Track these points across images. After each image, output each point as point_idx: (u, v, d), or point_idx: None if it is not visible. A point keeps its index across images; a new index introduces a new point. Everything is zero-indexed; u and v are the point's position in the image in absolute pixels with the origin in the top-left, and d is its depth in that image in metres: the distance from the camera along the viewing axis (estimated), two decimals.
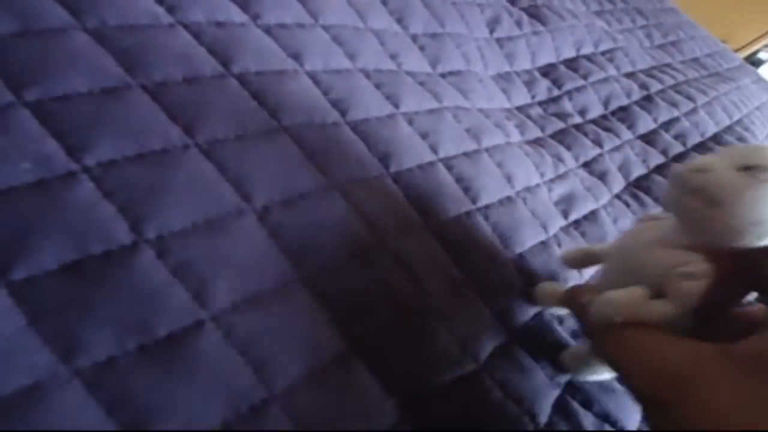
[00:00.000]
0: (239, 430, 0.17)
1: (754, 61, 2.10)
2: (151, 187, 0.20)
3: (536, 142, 0.39)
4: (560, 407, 0.23)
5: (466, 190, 0.29)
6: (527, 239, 0.30)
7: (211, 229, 0.20)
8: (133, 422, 0.15)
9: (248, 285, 0.19)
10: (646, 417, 0.24)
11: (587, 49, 0.55)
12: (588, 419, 0.24)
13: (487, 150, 0.33)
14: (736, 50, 1.80)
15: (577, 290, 0.23)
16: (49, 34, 0.21)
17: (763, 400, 0.15)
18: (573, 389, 0.25)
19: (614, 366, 0.20)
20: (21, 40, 0.20)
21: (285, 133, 0.24)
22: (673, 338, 0.18)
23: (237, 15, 0.27)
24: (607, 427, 0.24)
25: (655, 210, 0.42)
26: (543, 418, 0.23)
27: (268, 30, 0.27)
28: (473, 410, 0.22)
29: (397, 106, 0.30)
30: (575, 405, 0.24)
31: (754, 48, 1.89)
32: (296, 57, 0.28)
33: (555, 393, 0.24)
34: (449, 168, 0.30)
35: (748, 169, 0.18)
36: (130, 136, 0.20)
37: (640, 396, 0.18)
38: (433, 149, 0.30)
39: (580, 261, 0.26)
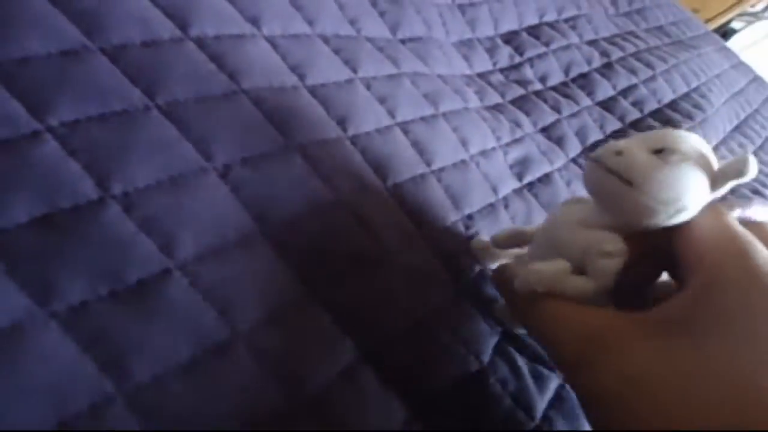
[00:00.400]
0: (206, 365, 0.19)
1: (726, 31, 2.16)
2: (114, 146, 0.21)
3: (495, 108, 0.42)
4: (499, 350, 0.26)
5: (422, 153, 0.32)
6: (476, 201, 0.32)
7: (175, 185, 0.22)
8: (109, 359, 0.18)
9: (212, 237, 0.21)
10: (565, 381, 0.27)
11: (550, 17, 0.58)
12: (522, 360, 0.27)
13: (444, 115, 0.35)
14: (708, 20, 1.85)
15: (502, 268, 0.25)
16: None
17: (673, 360, 0.17)
18: (508, 337, 0.28)
19: (535, 332, 0.22)
20: None
21: (244, 95, 0.26)
22: (592, 307, 0.20)
23: None
24: (539, 367, 0.27)
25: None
26: (486, 358, 0.25)
27: None
28: (425, 353, 0.25)
29: (355, 71, 0.32)
30: (511, 349, 0.27)
31: (726, 17, 1.94)
32: (254, 21, 0.29)
33: (495, 339, 0.27)
34: (406, 132, 0.32)
35: (659, 151, 0.20)
36: (92, 98, 0.22)
37: (559, 360, 0.20)
38: (391, 113, 0.32)
39: (509, 240, 0.28)
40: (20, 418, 0.16)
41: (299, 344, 0.21)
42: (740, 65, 0.92)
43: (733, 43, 2.11)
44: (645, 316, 0.19)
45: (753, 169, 0.19)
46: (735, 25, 2.20)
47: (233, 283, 0.21)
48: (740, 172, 0.19)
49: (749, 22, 2.21)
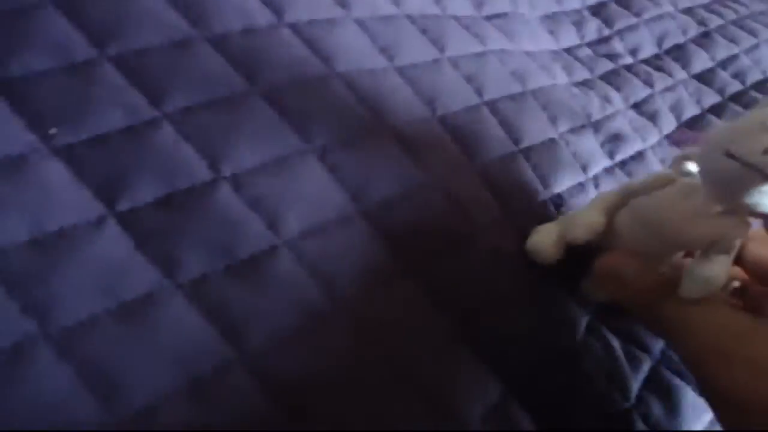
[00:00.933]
0: (305, 335, 0.21)
1: None
2: (222, 130, 0.23)
3: (584, 83, 0.41)
4: (591, 330, 0.27)
5: (510, 132, 0.32)
6: (565, 180, 0.32)
7: (278, 167, 0.23)
8: (229, 326, 0.20)
9: (314, 217, 0.23)
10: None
11: None
12: (615, 341, 0.27)
13: (532, 92, 0.35)
14: None
15: (612, 260, 0.24)
16: None
17: None
18: (600, 317, 0.28)
19: (664, 334, 0.23)
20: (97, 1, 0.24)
21: (338, 78, 0.27)
22: (724, 309, 0.21)
23: None
24: (633, 347, 0.27)
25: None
26: (578, 337, 0.26)
27: None
28: (515, 332, 0.25)
29: (442, 51, 0.33)
30: (604, 329, 0.27)
31: None
32: (343, 5, 0.30)
33: (586, 319, 0.27)
34: (494, 111, 0.32)
35: None
36: (200, 85, 0.24)
37: (692, 360, 0.21)
38: (478, 92, 0.33)
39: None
40: (156, 377, 0.18)
41: (394, 317, 0.23)
42: None
43: None
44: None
45: None
46: None
47: (334, 258, 0.22)
48: None
49: None
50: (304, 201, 0.23)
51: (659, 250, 0.23)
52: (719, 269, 0.21)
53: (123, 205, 0.20)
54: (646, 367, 0.28)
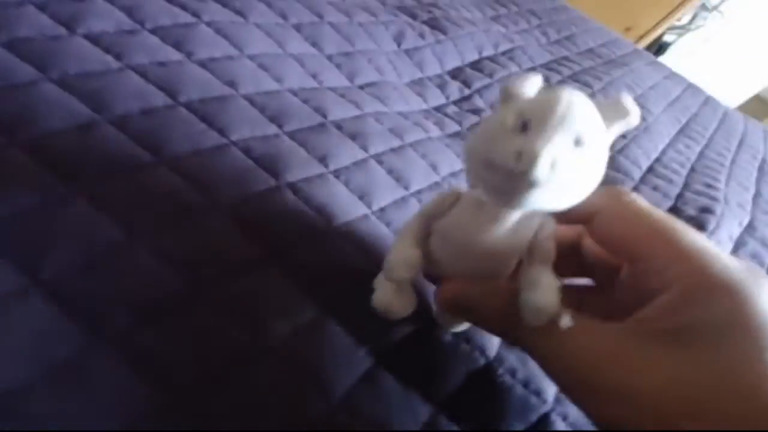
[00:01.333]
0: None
1: (661, 45, 2.38)
2: (131, 198, 0.26)
3: (455, 135, 0.48)
4: (504, 343, 0.31)
5: (398, 179, 0.37)
6: None
7: (178, 224, 0.26)
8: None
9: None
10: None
11: (488, 52, 0.66)
12: None
13: (411, 145, 0.41)
14: (641, 36, 2.04)
15: (452, 287, 0.23)
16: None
17: (681, 373, 0.18)
18: None
19: (538, 360, 0.22)
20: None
21: (234, 146, 0.31)
22: (588, 324, 0.20)
23: (174, 54, 0.34)
24: None
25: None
26: (491, 353, 0.29)
27: (203, 64, 0.34)
28: (435, 355, 0.29)
29: (325, 116, 0.38)
30: None
31: (657, 32, 2.15)
32: (231, 84, 0.34)
33: None
34: (380, 162, 0.37)
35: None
36: (110, 161, 0.26)
37: (566, 388, 0.21)
38: (364, 148, 0.37)
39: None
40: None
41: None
42: (673, 75, 1.03)
43: (669, 56, 2.33)
44: (639, 326, 0.19)
45: (633, 108, 0.20)
46: (667, 38, 2.43)
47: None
48: (624, 113, 0.20)
49: (680, 35, 2.45)
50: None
51: (483, 270, 0.23)
52: (548, 294, 0.20)
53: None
54: None
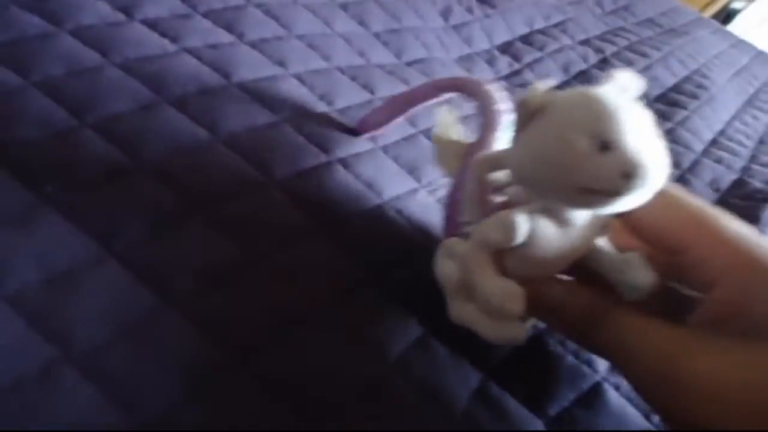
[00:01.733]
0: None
1: (729, 13, 2.26)
2: (193, 171, 0.27)
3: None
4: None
5: None
6: None
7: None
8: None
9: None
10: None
11: (539, 24, 0.65)
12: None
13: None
14: (707, 3, 1.94)
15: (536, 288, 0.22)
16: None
17: (746, 370, 0.18)
18: None
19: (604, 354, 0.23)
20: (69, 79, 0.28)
21: (287, 124, 0.32)
22: (658, 323, 0.20)
23: (225, 37, 0.35)
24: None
25: None
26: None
27: (253, 45, 0.36)
28: None
29: (373, 93, 0.38)
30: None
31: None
32: (281, 64, 0.36)
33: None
34: (428, 137, 0.37)
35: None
36: (171, 139, 0.28)
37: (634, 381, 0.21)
38: (412, 124, 0.38)
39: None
40: None
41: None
42: (740, 43, 0.98)
43: (737, 24, 2.20)
44: (697, 329, 0.20)
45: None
46: (736, 5, 2.30)
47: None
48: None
49: (749, 2, 2.31)
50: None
51: (553, 272, 0.23)
52: (644, 271, 0.21)
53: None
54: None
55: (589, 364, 0.28)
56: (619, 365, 0.22)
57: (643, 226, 0.22)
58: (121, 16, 0.32)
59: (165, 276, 0.22)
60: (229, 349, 0.21)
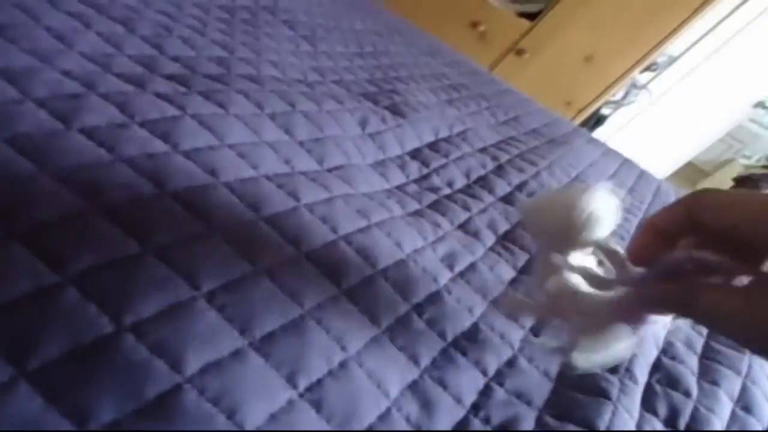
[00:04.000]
0: None
1: (599, 118, 2.55)
2: (121, 286, 0.27)
3: (416, 213, 0.51)
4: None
5: (366, 258, 0.39)
6: (422, 291, 0.40)
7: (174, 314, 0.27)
8: None
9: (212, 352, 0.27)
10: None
11: (444, 133, 0.70)
12: None
13: (377, 224, 0.43)
14: (581, 109, 2.19)
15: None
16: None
17: None
18: None
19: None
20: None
21: (215, 234, 0.32)
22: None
23: (161, 146, 0.35)
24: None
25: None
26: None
27: (187, 155, 0.36)
28: None
29: (298, 200, 0.40)
30: None
31: (595, 106, 2.30)
32: (213, 173, 0.36)
33: None
34: (348, 243, 0.39)
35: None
36: (100, 249, 0.27)
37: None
38: (333, 230, 0.39)
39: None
40: None
41: None
42: (609, 152, 1.11)
43: (605, 129, 2.49)
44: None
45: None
46: (604, 111, 2.60)
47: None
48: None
49: (614, 109, 2.63)
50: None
51: None
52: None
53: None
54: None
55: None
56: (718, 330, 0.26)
57: (708, 229, 0.26)
58: (59, 125, 0.32)
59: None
60: None
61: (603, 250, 0.30)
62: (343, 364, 0.31)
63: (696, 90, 2.43)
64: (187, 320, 0.27)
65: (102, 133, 0.33)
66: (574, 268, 0.31)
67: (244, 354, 0.28)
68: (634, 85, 2.60)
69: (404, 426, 0.30)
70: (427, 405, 0.32)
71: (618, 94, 2.54)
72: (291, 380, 0.28)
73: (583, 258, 0.32)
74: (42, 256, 0.26)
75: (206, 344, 0.27)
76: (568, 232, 0.30)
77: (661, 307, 0.28)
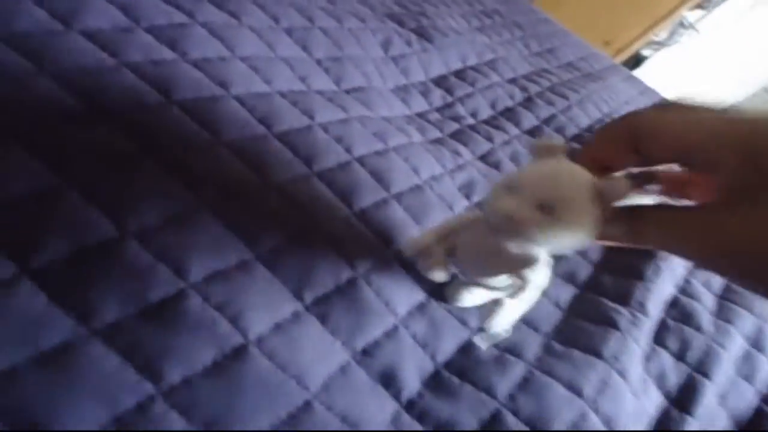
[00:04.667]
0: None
1: (638, 59, 2.42)
2: (123, 192, 0.26)
3: (436, 141, 0.49)
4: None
5: (380, 181, 0.38)
6: (436, 217, 0.39)
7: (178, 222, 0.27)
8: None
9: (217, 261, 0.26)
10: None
11: (472, 61, 0.67)
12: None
13: (394, 149, 0.42)
14: (620, 50, 2.08)
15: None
16: None
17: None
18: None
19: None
20: None
21: (225, 147, 0.31)
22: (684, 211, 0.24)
23: (167, 53, 0.34)
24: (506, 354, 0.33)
25: None
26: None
27: (196, 64, 0.35)
28: None
29: (312, 118, 0.38)
30: None
31: (636, 47, 2.19)
32: (223, 85, 0.35)
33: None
34: (363, 164, 0.38)
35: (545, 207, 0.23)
36: (101, 155, 0.27)
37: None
38: (348, 150, 0.38)
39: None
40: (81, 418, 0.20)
41: None
42: (647, 91, 1.06)
43: (645, 69, 2.37)
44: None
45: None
46: (645, 52, 2.47)
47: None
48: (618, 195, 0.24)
49: (656, 50, 2.50)
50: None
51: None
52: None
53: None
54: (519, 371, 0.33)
55: None
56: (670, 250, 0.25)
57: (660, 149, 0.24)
58: (58, 26, 0.31)
59: None
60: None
61: None
62: (351, 281, 0.30)
63: (746, 31, 2.28)
64: (191, 230, 0.27)
65: (105, 36, 0.32)
66: None
67: (251, 265, 0.27)
68: (681, 24, 2.45)
69: (410, 342, 0.30)
70: (433, 325, 0.32)
71: (662, 33, 2.40)
72: (297, 293, 0.28)
73: None
74: (42, 157, 0.25)
75: (212, 253, 0.27)
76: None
77: (616, 243, 0.27)
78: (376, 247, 0.33)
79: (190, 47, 0.36)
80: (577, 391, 0.32)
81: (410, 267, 0.33)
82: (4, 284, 0.21)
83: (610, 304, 0.41)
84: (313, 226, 0.31)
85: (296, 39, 0.45)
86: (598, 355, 0.36)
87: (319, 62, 0.46)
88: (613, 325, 0.39)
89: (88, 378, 0.21)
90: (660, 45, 2.51)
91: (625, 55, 2.12)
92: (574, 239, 0.24)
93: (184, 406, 0.22)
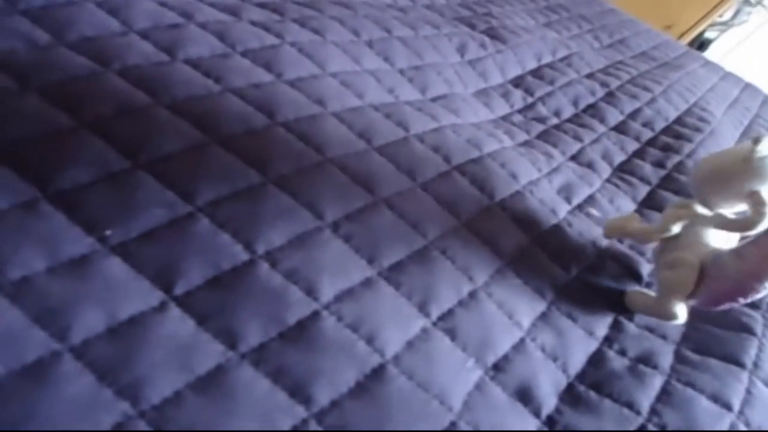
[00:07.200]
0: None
1: (702, 42, 2.35)
2: (249, 215, 0.27)
3: (526, 144, 0.49)
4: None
5: (482, 189, 0.38)
6: (542, 223, 0.38)
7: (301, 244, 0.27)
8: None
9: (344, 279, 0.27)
10: None
11: (547, 59, 0.67)
12: None
13: (489, 155, 0.42)
14: (682, 33, 2.02)
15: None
16: None
17: None
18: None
19: None
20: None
21: (331, 164, 0.32)
22: None
23: (265, 76, 0.36)
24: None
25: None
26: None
27: (292, 84, 0.36)
28: None
29: (407, 130, 0.39)
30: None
31: (699, 29, 2.12)
32: (320, 102, 0.36)
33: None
34: (462, 173, 0.38)
35: None
36: (223, 180, 0.28)
37: None
38: (447, 160, 0.38)
39: None
40: None
41: None
42: (728, 76, 1.02)
43: (710, 53, 2.29)
44: None
45: None
46: (709, 35, 2.39)
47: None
48: None
49: (722, 31, 2.41)
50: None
51: None
52: None
53: (180, 289, 0.23)
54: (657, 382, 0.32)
55: None
56: None
57: None
58: (164, 56, 0.33)
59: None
60: None
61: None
62: (472, 295, 0.30)
63: None
64: (316, 249, 0.28)
65: (206, 63, 0.34)
66: (707, 219, 0.34)
67: (375, 283, 0.28)
68: (747, 1, 2.36)
69: (539, 356, 0.30)
70: (560, 335, 0.31)
71: (726, 13, 2.32)
72: (423, 309, 0.28)
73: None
74: (171, 186, 0.26)
75: (337, 272, 0.27)
76: (732, 179, 0.32)
77: None
78: (489, 256, 0.33)
79: (285, 68, 0.37)
80: (725, 404, 0.31)
81: (524, 278, 0.33)
82: (155, 310, 0.22)
83: (741, 308, 0.39)
84: (425, 240, 0.32)
85: (378, 51, 0.46)
86: (738, 363, 0.34)
87: (402, 72, 0.46)
88: (749, 330, 0.37)
89: (244, 402, 0.22)
90: (726, 25, 2.42)
91: (688, 39, 2.05)
92: None
93: (336, 428, 0.22)
